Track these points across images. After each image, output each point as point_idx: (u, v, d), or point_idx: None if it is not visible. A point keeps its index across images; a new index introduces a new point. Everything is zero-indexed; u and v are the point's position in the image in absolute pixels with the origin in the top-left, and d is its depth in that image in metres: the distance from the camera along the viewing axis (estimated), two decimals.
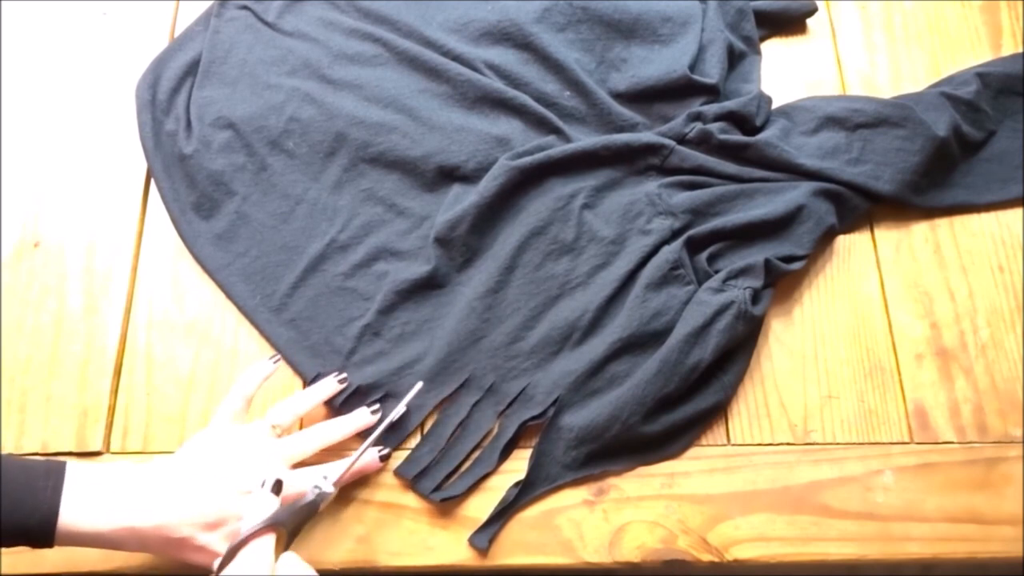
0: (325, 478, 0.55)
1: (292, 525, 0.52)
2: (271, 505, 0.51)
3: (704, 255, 0.67)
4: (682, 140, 0.71)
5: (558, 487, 0.61)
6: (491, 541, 0.59)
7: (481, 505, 0.60)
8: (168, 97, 0.74)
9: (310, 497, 0.54)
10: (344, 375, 0.63)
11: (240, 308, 0.67)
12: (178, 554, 0.53)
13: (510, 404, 0.63)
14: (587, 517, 0.61)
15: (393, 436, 0.62)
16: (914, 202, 0.71)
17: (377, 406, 0.62)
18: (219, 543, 0.52)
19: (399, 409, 0.60)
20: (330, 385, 0.62)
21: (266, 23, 0.77)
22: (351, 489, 0.61)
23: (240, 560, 0.49)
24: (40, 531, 0.50)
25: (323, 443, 0.59)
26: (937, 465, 0.63)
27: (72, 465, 0.52)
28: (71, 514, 0.50)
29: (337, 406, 0.63)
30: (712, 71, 0.74)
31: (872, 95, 0.75)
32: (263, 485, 0.52)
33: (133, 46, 0.77)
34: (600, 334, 0.65)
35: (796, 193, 0.69)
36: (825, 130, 0.72)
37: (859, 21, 0.80)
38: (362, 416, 0.61)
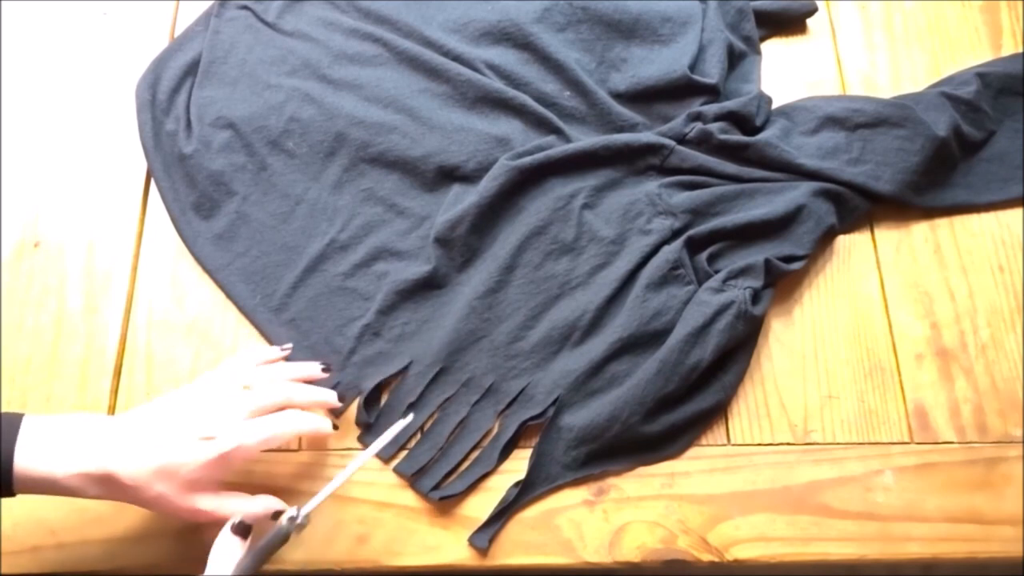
0: (298, 509, 0.53)
1: (259, 564, 0.51)
2: (235, 551, 0.51)
3: (704, 255, 0.67)
4: (682, 140, 0.71)
5: (558, 487, 0.61)
6: (491, 541, 0.59)
7: (481, 505, 0.60)
8: (168, 97, 0.74)
9: (280, 529, 0.52)
10: (328, 364, 0.62)
11: (240, 308, 0.67)
12: (135, 502, 0.52)
13: (510, 404, 0.63)
14: (587, 517, 0.61)
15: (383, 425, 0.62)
16: (914, 202, 0.71)
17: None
18: (175, 493, 0.51)
19: (381, 440, 0.59)
20: (311, 367, 0.61)
21: (266, 23, 0.77)
22: (351, 489, 0.61)
23: None
24: None
25: (287, 401, 0.57)
26: (937, 465, 0.63)
27: (30, 416, 0.52)
28: (27, 459, 0.50)
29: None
30: (712, 71, 0.74)
31: (872, 95, 0.75)
32: (229, 528, 0.51)
33: (133, 46, 0.77)
34: (600, 334, 0.65)
35: (796, 193, 0.69)
36: (825, 130, 0.72)
37: (859, 21, 0.80)
38: (329, 395, 0.60)
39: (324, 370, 0.61)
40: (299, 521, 0.53)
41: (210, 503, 0.53)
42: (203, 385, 0.56)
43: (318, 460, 0.62)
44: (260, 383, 0.57)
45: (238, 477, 0.60)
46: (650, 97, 0.74)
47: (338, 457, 0.62)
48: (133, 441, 0.52)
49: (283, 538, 0.52)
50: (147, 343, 0.66)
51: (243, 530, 0.52)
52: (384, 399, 0.64)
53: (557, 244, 0.68)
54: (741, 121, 0.72)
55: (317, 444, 0.62)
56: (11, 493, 0.51)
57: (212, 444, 0.52)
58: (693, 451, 0.63)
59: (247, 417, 0.55)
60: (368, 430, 0.63)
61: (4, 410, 0.63)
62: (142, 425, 0.53)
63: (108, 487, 0.51)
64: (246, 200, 0.70)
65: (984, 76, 0.74)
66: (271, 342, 0.66)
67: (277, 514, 0.55)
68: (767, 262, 0.65)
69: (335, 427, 0.60)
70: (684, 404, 0.63)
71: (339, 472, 0.56)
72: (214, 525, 0.53)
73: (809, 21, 0.80)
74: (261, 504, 0.55)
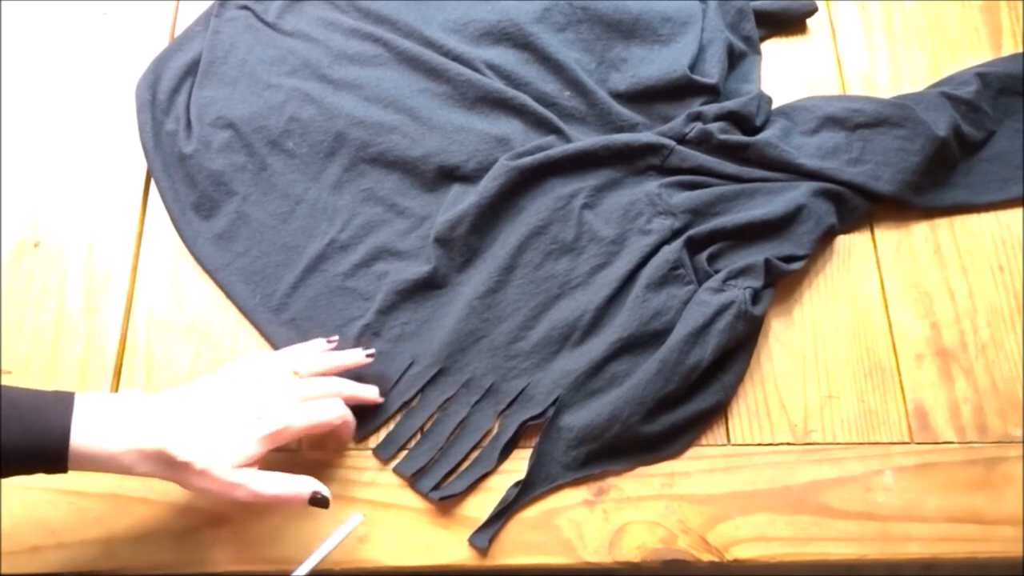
0: None
1: None
2: None
3: (704, 255, 0.67)
4: (682, 140, 0.71)
5: (558, 487, 0.61)
6: (491, 541, 0.59)
7: (481, 505, 0.60)
8: (168, 97, 0.74)
9: None
10: (373, 350, 0.63)
11: (240, 308, 0.67)
12: (181, 481, 0.53)
13: (510, 404, 0.63)
14: (587, 517, 0.61)
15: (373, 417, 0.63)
16: (914, 202, 0.71)
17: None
18: (219, 469, 0.52)
19: (335, 539, 0.57)
20: (356, 355, 0.62)
21: (266, 23, 0.77)
22: (351, 489, 0.61)
23: None
24: (55, 452, 0.50)
25: (337, 393, 0.59)
26: (937, 465, 0.63)
27: (81, 394, 0.52)
28: (83, 434, 0.50)
29: None
30: (712, 71, 0.74)
31: (872, 95, 0.75)
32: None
33: (133, 46, 0.77)
34: (600, 334, 0.65)
35: (796, 193, 0.69)
36: (825, 130, 0.72)
37: (859, 21, 0.80)
38: (371, 391, 0.61)
39: (368, 355, 0.63)
40: None
41: (251, 479, 0.53)
42: (253, 369, 0.58)
43: (319, 460, 0.62)
44: (310, 372, 0.59)
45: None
46: (650, 97, 0.74)
47: (337, 456, 0.62)
48: (184, 419, 0.53)
49: None
50: (147, 343, 0.66)
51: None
52: (384, 399, 0.64)
53: (557, 244, 0.68)
54: (741, 121, 0.72)
55: (318, 444, 0.62)
56: (64, 469, 0.51)
57: (260, 423, 0.54)
58: (693, 451, 0.63)
59: (294, 400, 0.56)
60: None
61: None
62: (193, 403, 0.54)
63: (159, 464, 0.52)
64: (246, 200, 0.70)
65: (984, 76, 0.74)
66: (271, 342, 0.66)
67: (314, 497, 0.55)
68: (767, 262, 0.65)
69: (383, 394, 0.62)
70: (684, 404, 0.63)
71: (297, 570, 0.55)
72: (239, 510, 0.54)
73: (809, 21, 0.80)
74: (302, 484, 0.55)
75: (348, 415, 0.59)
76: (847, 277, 0.69)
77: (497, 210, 0.69)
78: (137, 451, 0.51)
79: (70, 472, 0.51)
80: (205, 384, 0.56)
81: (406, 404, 0.63)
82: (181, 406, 0.54)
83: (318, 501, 0.55)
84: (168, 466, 0.52)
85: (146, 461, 0.52)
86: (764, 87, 0.76)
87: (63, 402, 0.51)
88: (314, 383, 0.58)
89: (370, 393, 0.61)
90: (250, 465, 0.54)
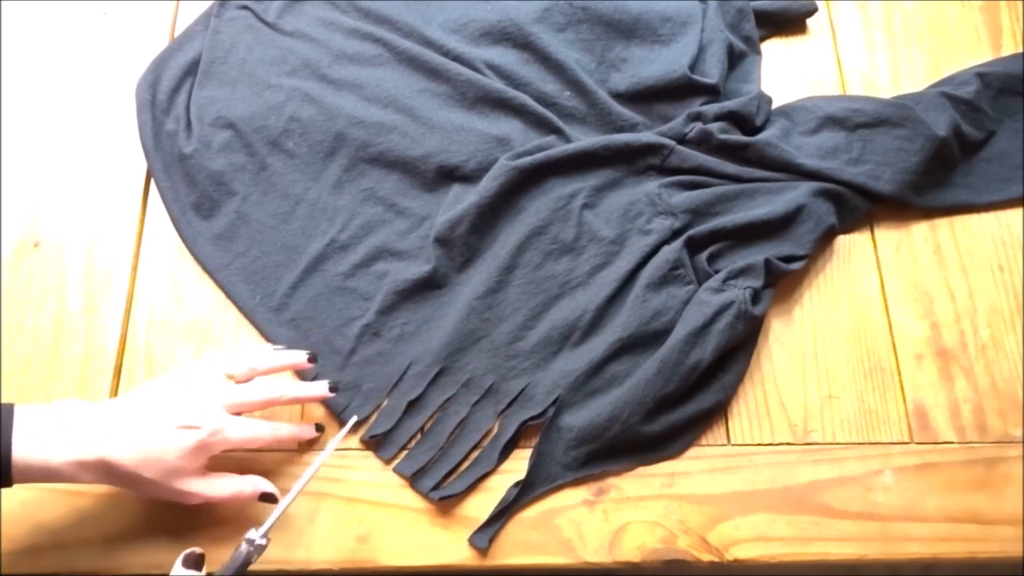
0: (255, 529, 0.53)
1: None
2: None
3: (704, 255, 0.67)
4: (682, 140, 0.71)
5: (558, 487, 0.61)
6: (491, 541, 0.59)
7: (481, 505, 0.60)
8: (168, 97, 0.74)
9: (243, 551, 0.53)
10: (315, 353, 0.61)
11: (240, 308, 0.67)
12: (130, 488, 0.53)
13: (510, 404, 0.63)
14: (587, 517, 0.61)
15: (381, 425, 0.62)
16: (914, 202, 0.71)
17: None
18: (163, 479, 0.53)
19: (331, 446, 0.58)
20: (297, 355, 0.61)
21: (266, 23, 0.77)
22: (351, 489, 0.61)
23: None
24: None
25: (271, 399, 0.58)
26: (937, 465, 0.63)
27: (20, 406, 0.52)
28: (24, 448, 0.50)
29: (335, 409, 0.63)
30: (712, 71, 0.74)
31: (872, 95, 0.75)
32: (180, 562, 0.53)
33: (133, 46, 0.77)
34: (600, 334, 0.65)
35: (796, 193, 0.69)
36: (825, 130, 0.72)
37: (859, 21, 0.80)
38: (319, 387, 0.60)
39: (310, 359, 0.61)
40: (259, 542, 0.53)
41: (198, 486, 0.54)
42: (189, 372, 0.57)
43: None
44: (245, 374, 0.58)
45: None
46: (650, 97, 0.74)
47: (338, 456, 0.62)
48: (123, 428, 0.53)
49: (246, 563, 0.53)
50: (147, 343, 0.66)
51: (195, 562, 0.53)
52: (384, 400, 0.64)
53: (557, 244, 0.68)
54: (741, 121, 0.72)
55: (317, 443, 0.62)
56: (8, 483, 0.51)
57: (192, 433, 0.53)
58: (693, 451, 0.63)
59: (228, 407, 0.56)
60: (375, 435, 0.63)
61: None
62: (130, 412, 0.54)
63: (102, 473, 0.52)
64: (246, 200, 0.70)
65: (984, 76, 0.74)
66: (271, 342, 0.65)
67: (264, 496, 0.56)
68: (767, 262, 0.65)
69: (320, 428, 0.61)
70: (684, 404, 0.63)
71: (295, 484, 0.56)
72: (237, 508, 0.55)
73: (809, 21, 0.80)
74: (249, 484, 0.56)
75: (292, 432, 0.58)
76: (847, 277, 0.69)
77: (497, 210, 0.69)
78: (78, 462, 0.51)
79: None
80: (144, 390, 0.56)
81: (412, 405, 0.63)
82: (120, 415, 0.53)
83: (266, 497, 0.56)
84: (112, 476, 0.52)
85: (88, 471, 0.52)
86: (764, 87, 0.76)
87: (3, 416, 0.51)
88: (247, 389, 0.57)
89: (317, 390, 0.60)
90: (193, 472, 0.54)
